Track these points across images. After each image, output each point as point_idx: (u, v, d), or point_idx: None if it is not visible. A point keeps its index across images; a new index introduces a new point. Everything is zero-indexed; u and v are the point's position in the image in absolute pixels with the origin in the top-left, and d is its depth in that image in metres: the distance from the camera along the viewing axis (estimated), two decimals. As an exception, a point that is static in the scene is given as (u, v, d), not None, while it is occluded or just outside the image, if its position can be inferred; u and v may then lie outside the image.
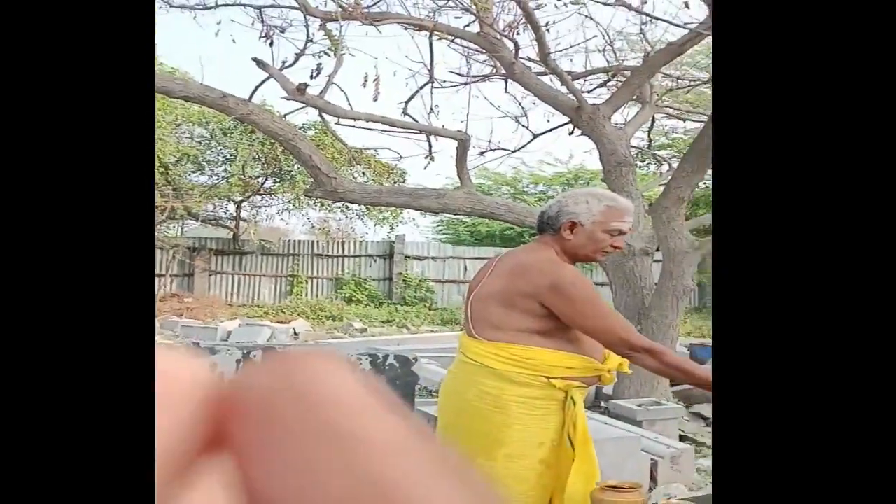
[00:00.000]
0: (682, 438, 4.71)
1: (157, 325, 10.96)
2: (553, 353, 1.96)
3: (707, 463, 4.48)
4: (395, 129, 7.08)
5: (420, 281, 15.45)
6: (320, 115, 7.02)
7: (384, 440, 0.18)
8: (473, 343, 2.04)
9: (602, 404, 5.40)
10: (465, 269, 15.50)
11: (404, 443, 0.18)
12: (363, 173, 13.24)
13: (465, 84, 7.67)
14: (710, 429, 5.67)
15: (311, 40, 6.32)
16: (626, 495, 1.75)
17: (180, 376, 0.19)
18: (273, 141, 9.04)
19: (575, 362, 1.97)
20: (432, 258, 15.79)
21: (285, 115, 6.78)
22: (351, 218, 15.56)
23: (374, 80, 7.36)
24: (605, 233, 2.05)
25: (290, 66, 6.30)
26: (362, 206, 13.86)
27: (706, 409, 5.97)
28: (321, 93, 6.24)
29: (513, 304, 1.99)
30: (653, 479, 3.70)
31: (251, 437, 0.18)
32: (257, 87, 6.12)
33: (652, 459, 3.73)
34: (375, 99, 7.52)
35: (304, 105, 6.37)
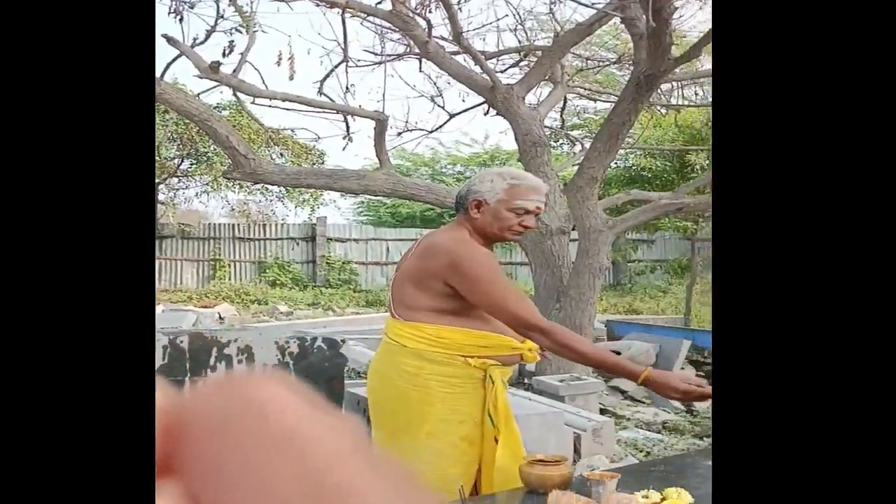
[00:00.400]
0: (603, 412, 4.89)
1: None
2: (466, 332, 2.00)
3: (626, 434, 4.67)
4: (311, 108, 6.97)
5: (343, 263, 15.34)
6: (235, 95, 6.83)
7: (331, 448, 0.19)
8: (394, 323, 2.09)
9: (525, 381, 5.54)
10: (388, 250, 15.49)
11: (349, 450, 0.19)
12: (281, 154, 12.98)
13: (380, 63, 7.61)
14: (627, 402, 5.91)
15: (222, 16, 6.13)
16: (553, 468, 1.81)
17: None
18: (188, 121, 8.74)
19: (489, 341, 2.01)
20: (354, 240, 15.70)
21: (199, 95, 6.57)
22: (271, 200, 15.26)
23: (289, 58, 7.21)
24: (510, 211, 2.06)
25: (202, 43, 6.09)
26: (282, 188, 13.59)
27: (624, 383, 6.21)
28: (234, 71, 6.07)
29: (424, 284, 2.03)
30: (576, 451, 3.83)
31: (203, 457, 0.19)
32: (169, 65, 5.91)
33: (575, 433, 3.87)
34: (291, 78, 7.36)
35: (217, 84, 6.19)
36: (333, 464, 0.19)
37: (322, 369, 3.46)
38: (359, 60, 7.66)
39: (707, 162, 10.53)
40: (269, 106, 6.68)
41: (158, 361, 3.23)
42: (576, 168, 6.38)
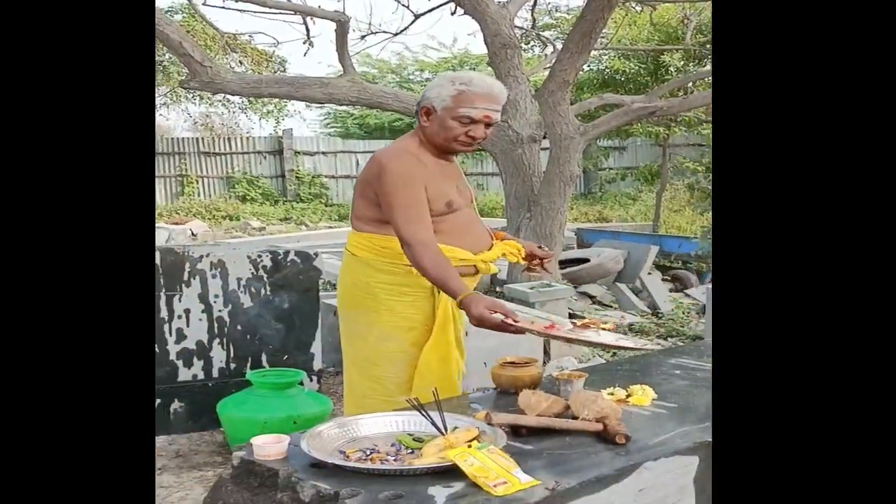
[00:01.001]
0: (572, 316, 5.00)
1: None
2: None
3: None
4: (268, 10, 6.69)
5: (313, 177, 15.17)
6: (187, -2, 6.52)
7: None
8: (349, 234, 2.12)
9: (497, 289, 5.62)
10: (357, 163, 15.30)
11: None
12: (240, 62, 12.54)
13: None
14: (596, 306, 6.04)
15: None
16: (523, 369, 1.86)
17: None
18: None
19: None
20: (322, 153, 15.46)
21: None
22: (234, 112, 14.89)
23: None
24: (454, 119, 1.97)
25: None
26: (244, 99, 13.22)
27: (592, 289, 6.33)
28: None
29: (365, 194, 2.04)
30: (546, 353, 3.94)
31: None
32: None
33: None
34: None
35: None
36: None
37: (297, 282, 3.47)
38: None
39: (681, 63, 10.37)
40: (224, 8, 6.41)
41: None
42: (547, 72, 6.25)
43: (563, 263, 6.60)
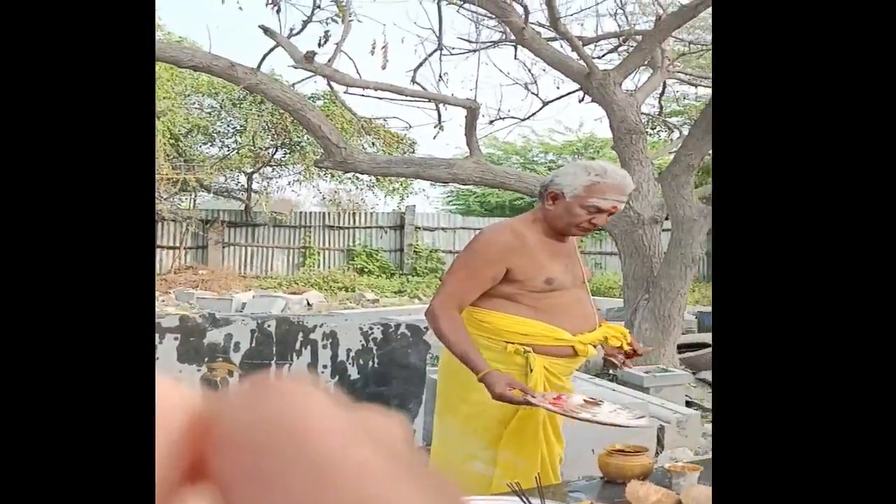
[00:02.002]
0: (689, 404, 4.74)
1: (173, 296, 11.06)
2: (509, 317, 2.00)
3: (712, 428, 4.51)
4: (403, 97, 7.03)
5: (431, 252, 15.48)
6: (329, 85, 6.98)
7: (362, 468, 0.18)
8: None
9: (610, 372, 5.44)
10: (476, 239, 15.51)
11: (382, 469, 0.19)
12: (373, 143, 13.20)
13: (475, 51, 7.60)
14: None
15: (319, 6, 6.26)
16: (633, 459, 1.77)
17: (164, 404, 0.19)
18: (282, 111, 9.01)
19: (530, 329, 1.99)
20: (442, 229, 15.80)
21: (294, 85, 6.75)
22: (361, 189, 15.55)
23: (383, 47, 7.30)
24: (583, 208, 2.02)
25: (298, 33, 6.25)
26: (372, 177, 13.84)
27: (711, 376, 5.99)
28: (329, 61, 6.20)
29: None
30: (660, 443, 3.73)
31: (232, 468, 0.19)
32: (265, 56, 6.08)
33: (659, 424, 3.77)
34: (384, 67, 7.46)
35: (312, 74, 6.33)
36: (379, 491, 0.18)
37: (405, 355, 3.50)
38: (453, 48, 7.67)
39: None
40: (363, 95, 6.79)
41: (246, 346, 3.35)
42: (672, 156, 6.17)
43: (682, 348, 6.31)
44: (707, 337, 6.93)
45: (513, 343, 2.01)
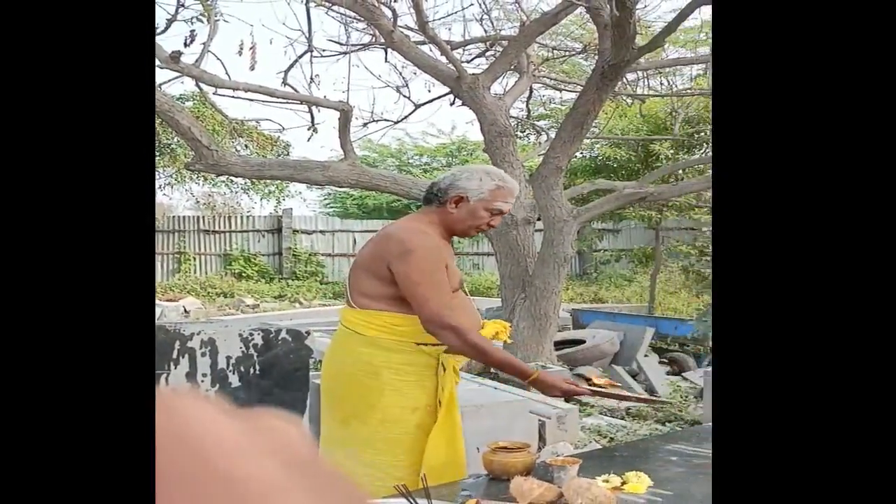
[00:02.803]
0: (567, 399, 4.92)
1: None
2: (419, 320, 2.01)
3: (590, 421, 4.72)
4: (275, 99, 6.89)
5: (310, 255, 15.24)
6: (197, 86, 6.72)
7: (259, 479, 0.19)
8: (349, 311, 2.11)
9: (492, 370, 5.56)
10: (355, 242, 15.40)
11: (278, 479, 0.19)
12: (246, 146, 12.82)
13: (345, 53, 7.55)
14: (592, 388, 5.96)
15: (183, 5, 6.02)
16: (516, 455, 1.83)
17: None
18: (146, 113, 8.54)
19: None
20: (321, 232, 15.58)
21: (161, 85, 6.46)
22: (236, 192, 15.07)
23: (251, 48, 7.11)
24: (487, 211, 2.11)
25: (162, 32, 5.98)
26: (247, 180, 13.45)
27: (587, 371, 6.27)
28: (196, 61, 5.97)
29: (377, 271, 2.05)
30: (541, 438, 3.86)
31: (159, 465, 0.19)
32: (128, 56, 5.77)
33: (539, 420, 3.90)
34: (252, 68, 7.26)
35: (179, 74, 6.08)
36: (241, 462, 0.19)
37: (287, 361, 3.44)
38: (324, 50, 7.59)
39: (671, 151, 10.66)
40: (233, 97, 6.60)
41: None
42: (541, 158, 6.40)
43: (558, 345, 6.56)
44: (581, 333, 7.24)
45: (426, 344, 2.02)
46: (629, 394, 2.30)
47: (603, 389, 2.22)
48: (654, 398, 2.44)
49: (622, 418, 5.01)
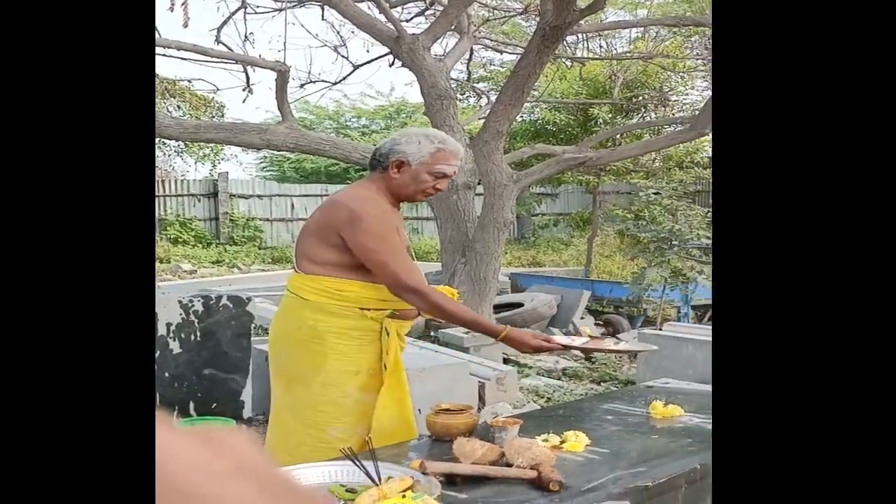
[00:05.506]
0: (506, 361, 5.03)
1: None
2: (365, 285, 2.03)
3: (528, 382, 4.84)
4: (209, 58, 6.67)
5: (247, 220, 14.96)
6: (124, 44, 6.44)
7: (225, 495, 0.20)
8: (295, 277, 2.11)
9: (432, 334, 5.62)
10: (292, 206, 15.18)
11: (245, 496, 0.20)
12: (178, 107, 12.40)
13: (280, 10, 7.35)
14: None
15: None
16: (458, 417, 1.87)
17: None
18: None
19: (387, 294, 2.04)
20: (258, 196, 15.28)
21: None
22: (170, 155, 14.61)
23: (182, 3, 6.85)
24: (430, 174, 2.10)
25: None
26: (181, 143, 13.04)
27: (581, 324, 6.40)
28: (124, 19, 5.72)
29: (324, 238, 2.04)
30: (481, 399, 3.94)
31: None
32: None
33: (479, 382, 3.97)
34: (185, 25, 7.01)
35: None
36: (204, 481, 0.20)
37: (228, 327, 3.40)
38: (258, 7, 7.37)
39: (609, 116, 10.79)
40: (164, 55, 6.35)
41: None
42: (482, 122, 6.40)
43: (498, 308, 6.66)
44: (519, 297, 7.36)
45: (369, 309, 2.03)
46: (607, 347, 2.36)
47: (574, 345, 2.25)
48: (629, 349, 2.55)
49: (559, 378, 5.14)
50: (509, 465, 1.56)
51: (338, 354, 2.02)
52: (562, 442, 1.82)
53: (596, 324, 7.21)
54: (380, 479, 1.44)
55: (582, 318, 6.99)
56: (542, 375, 5.14)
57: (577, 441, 1.82)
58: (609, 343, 2.43)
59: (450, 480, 1.51)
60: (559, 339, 2.21)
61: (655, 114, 11.39)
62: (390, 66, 7.22)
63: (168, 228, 14.28)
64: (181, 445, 0.21)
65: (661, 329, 5.51)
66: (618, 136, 9.94)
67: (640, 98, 11.10)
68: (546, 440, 1.81)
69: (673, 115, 11.30)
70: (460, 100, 10.41)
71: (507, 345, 2.12)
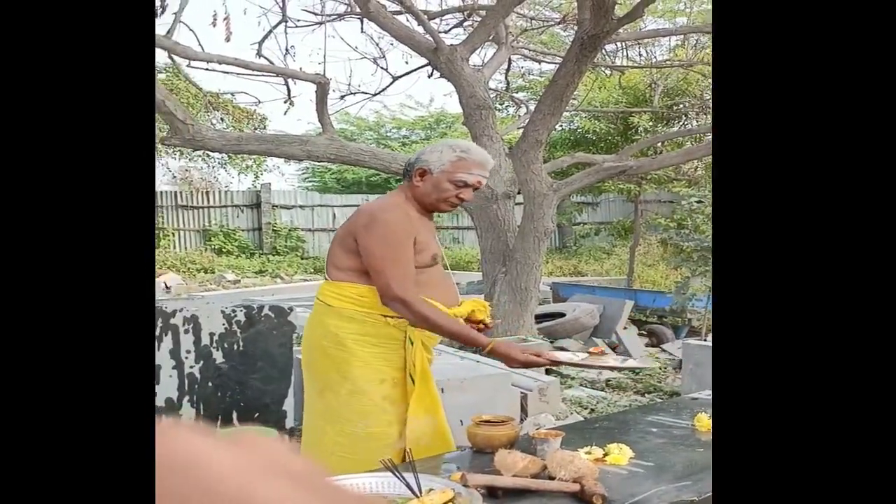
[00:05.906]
0: (548, 372, 4.98)
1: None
2: None
3: (571, 393, 4.78)
4: (250, 72, 6.79)
5: (290, 230, 15.17)
6: (170, 58, 6.61)
7: (271, 497, 0.20)
8: (323, 284, 2.14)
9: (473, 343, 5.60)
10: (334, 216, 15.34)
11: (290, 497, 0.20)
12: (221, 119, 12.66)
13: (320, 23, 7.45)
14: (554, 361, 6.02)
15: (154, -24, 5.90)
16: (500, 428, 1.85)
17: None
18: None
19: None
20: (300, 206, 15.49)
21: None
22: (213, 167, 14.90)
23: (224, 18, 6.99)
24: (451, 183, 2.10)
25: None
26: (224, 155, 13.30)
27: (568, 344, 6.34)
28: (168, 32, 5.86)
29: (346, 243, 2.07)
30: (523, 410, 3.91)
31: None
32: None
33: (521, 393, 3.94)
34: (228, 39, 7.15)
35: (151, 47, 5.97)
36: (247, 483, 0.20)
37: (270, 337, 3.43)
38: (298, 20, 7.49)
39: (650, 123, 10.68)
40: (207, 69, 6.49)
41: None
42: (521, 131, 6.38)
43: (539, 318, 6.61)
44: (562, 307, 7.29)
45: (392, 317, 2.03)
46: (602, 363, 2.26)
47: (568, 362, 2.19)
48: (628, 366, 2.41)
49: (602, 389, 5.07)
50: (551, 478, 1.54)
51: (361, 362, 2.03)
52: (605, 454, 1.78)
53: (639, 334, 7.11)
54: (421, 492, 1.44)
55: (625, 328, 6.89)
56: (586, 386, 5.08)
57: (620, 454, 1.78)
58: (608, 359, 2.31)
59: (491, 493, 1.50)
60: (553, 354, 2.17)
61: (697, 121, 11.23)
62: (429, 76, 7.26)
63: (212, 239, 14.55)
64: (219, 450, 0.21)
65: (705, 339, 5.40)
66: (659, 144, 9.82)
67: (681, 106, 10.96)
68: (589, 453, 1.78)
69: (716, 121, 11.08)
70: (499, 110, 10.42)
71: (494, 358, 2.11)
